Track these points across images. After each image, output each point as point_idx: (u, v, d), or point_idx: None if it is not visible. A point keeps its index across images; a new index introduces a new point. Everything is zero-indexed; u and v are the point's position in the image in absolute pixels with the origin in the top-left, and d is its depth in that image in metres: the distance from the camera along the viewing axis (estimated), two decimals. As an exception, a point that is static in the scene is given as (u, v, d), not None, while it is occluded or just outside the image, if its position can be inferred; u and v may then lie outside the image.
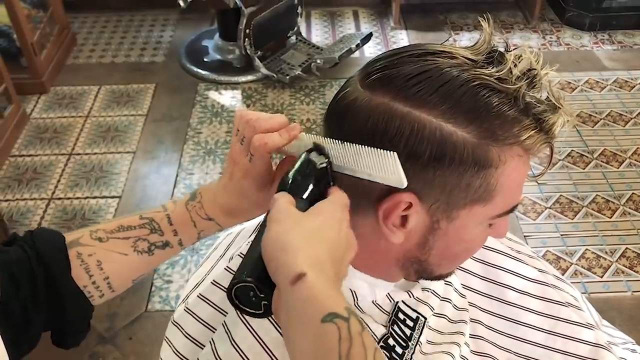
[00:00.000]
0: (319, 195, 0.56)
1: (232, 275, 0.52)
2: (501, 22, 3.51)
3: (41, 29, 2.95)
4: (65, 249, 0.64)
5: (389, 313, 0.69)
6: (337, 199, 0.56)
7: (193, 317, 0.73)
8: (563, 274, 2.07)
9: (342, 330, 0.46)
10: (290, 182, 0.56)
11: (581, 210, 2.31)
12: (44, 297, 0.62)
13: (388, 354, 0.67)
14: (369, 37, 2.95)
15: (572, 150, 2.59)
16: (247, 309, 0.53)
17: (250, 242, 0.56)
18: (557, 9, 3.55)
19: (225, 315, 0.69)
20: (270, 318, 0.64)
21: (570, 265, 2.11)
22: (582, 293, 1.99)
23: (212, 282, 0.74)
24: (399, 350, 0.68)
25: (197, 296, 0.74)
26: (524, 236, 2.20)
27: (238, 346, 0.65)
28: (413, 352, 0.69)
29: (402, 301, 0.71)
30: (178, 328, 0.74)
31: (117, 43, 3.37)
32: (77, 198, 2.41)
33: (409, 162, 0.55)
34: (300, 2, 3.04)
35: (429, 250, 0.61)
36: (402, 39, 3.29)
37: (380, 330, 0.67)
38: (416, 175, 0.55)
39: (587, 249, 2.16)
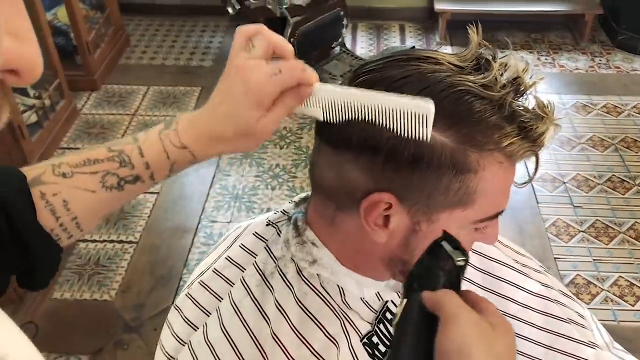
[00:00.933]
0: None
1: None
2: (549, 42, 3.46)
3: (97, 29, 3.09)
4: (28, 190, 0.58)
5: (377, 311, 0.71)
6: (498, 314, 0.53)
7: (192, 302, 0.76)
8: (592, 300, 2.02)
9: None
10: (426, 274, 0.52)
11: (617, 237, 2.25)
12: (8, 242, 0.57)
13: (370, 351, 0.68)
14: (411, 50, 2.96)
15: (612, 175, 2.52)
16: None
17: (398, 327, 0.52)
18: (609, 31, 3.48)
19: (220, 301, 0.72)
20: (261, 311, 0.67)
21: (601, 292, 2.06)
22: (611, 321, 1.95)
23: (213, 270, 0.77)
24: (382, 348, 0.69)
25: (199, 283, 0.77)
26: (555, 258, 2.16)
27: (227, 331, 0.67)
28: (398, 351, 0.70)
29: (392, 301, 0.72)
30: (178, 312, 0.78)
31: (168, 46, 3.49)
32: (118, 192, 2.50)
33: (389, 164, 0.57)
34: (345, 14, 3.08)
35: (412, 251, 0.62)
36: (447, 54, 3.28)
37: (365, 328, 0.69)
38: (395, 176, 0.57)
39: (620, 276, 2.10)
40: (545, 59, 3.32)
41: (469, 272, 0.87)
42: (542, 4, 3.39)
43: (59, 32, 2.97)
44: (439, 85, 0.56)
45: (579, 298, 2.01)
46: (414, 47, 3.01)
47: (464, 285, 0.86)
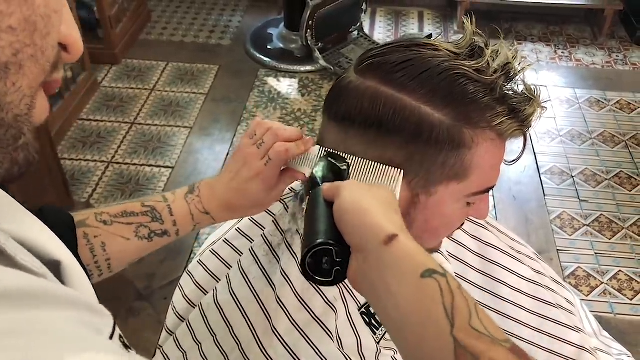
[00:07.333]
0: None
1: (304, 244, 0.53)
2: (567, 35, 3.46)
3: (120, 3, 3.14)
4: (74, 228, 0.66)
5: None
6: (377, 184, 0.62)
7: (203, 268, 0.83)
8: (591, 292, 2.07)
9: (442, 284, 0.47)
10: (322, 179, 0.62)
11: (620, 232, 2.29)
12: None
13: (367, 320, 0.74)
14: (427, 38, 2.98)
15: (620, 171, 2.55)
16: (318, 278, 0.53)
17: (307, 213, 0.59)
18: (629, 27, 3.47)
19: (229, 269, 0.78)
20: (252, 290, 0.73)
21: (600, 284, 2.10)
22: (608, 313, 1.99)
23: (223, 240, 0.83)
24: (378, 318, 0.75)
25: (210, 251, 0.83)
26: (557, 250, 2.20)
27: (235, 295, 0.73)
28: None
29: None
30: (190, 276, 0.84)
31: (188, 23, 3.54)
32: (134, 164, 2.57)
33: (392, 139, 0.62)
34: (365, -1, 3.11)
35: (412, 223, 0.67)
36: (464, 43, 3.29)
37: (364, 298, 0.74)
38: (398, 151, 0.63)
39: (620, 271, 2.14)
40: (562, 53, 3.32)
41: (469, 257, 0.92)
42: (562, -3, 3.39)
43: (83, 5, 3.02)
44: (437, 69, 0.62)
45: (578, 290, 2.06)
46: (430, 35, 3.01)
47: (460, 267, 0.91)
